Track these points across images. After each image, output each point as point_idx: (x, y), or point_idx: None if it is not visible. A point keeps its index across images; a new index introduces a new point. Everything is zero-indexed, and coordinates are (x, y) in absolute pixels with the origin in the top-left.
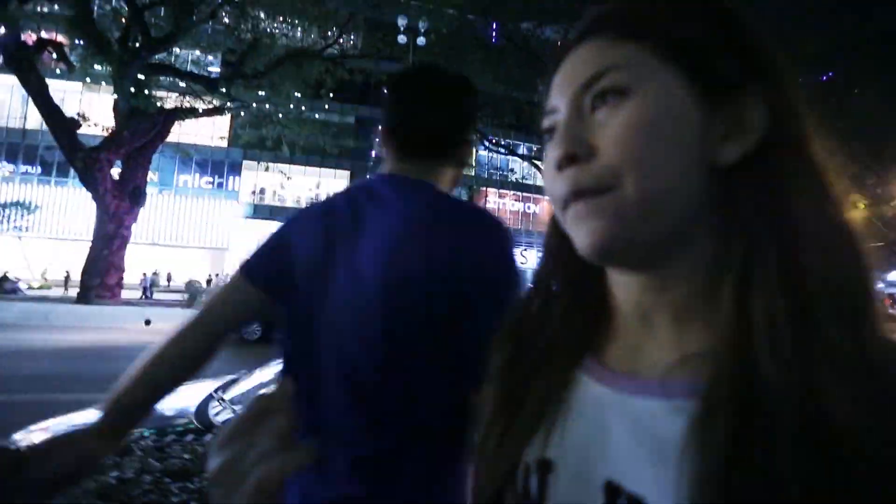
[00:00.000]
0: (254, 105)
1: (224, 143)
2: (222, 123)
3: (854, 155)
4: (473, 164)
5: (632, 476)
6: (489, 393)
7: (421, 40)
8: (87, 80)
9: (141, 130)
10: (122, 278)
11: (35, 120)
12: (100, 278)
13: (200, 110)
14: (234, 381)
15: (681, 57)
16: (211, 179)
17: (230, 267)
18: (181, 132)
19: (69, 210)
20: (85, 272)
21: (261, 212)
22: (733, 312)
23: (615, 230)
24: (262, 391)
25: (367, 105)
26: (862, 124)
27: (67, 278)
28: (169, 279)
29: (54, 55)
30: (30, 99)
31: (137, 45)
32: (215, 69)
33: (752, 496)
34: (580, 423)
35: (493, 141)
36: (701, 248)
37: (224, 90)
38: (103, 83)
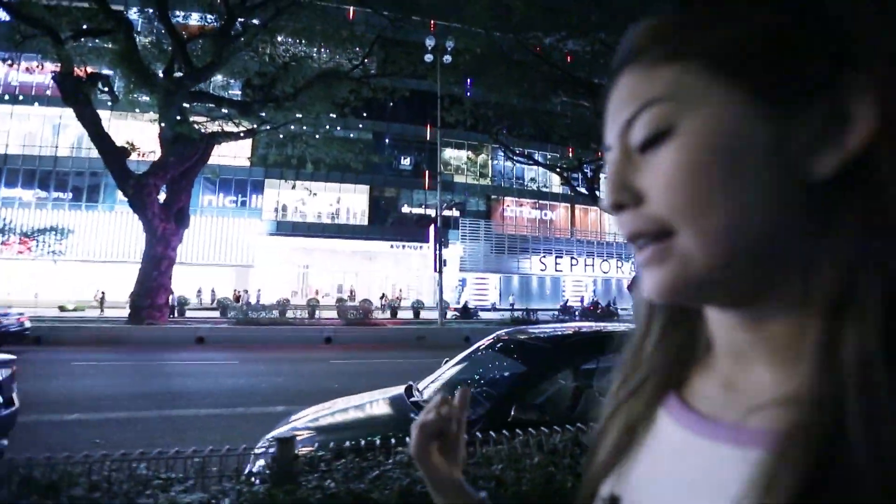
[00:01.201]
0: (284, 126)
1: (246, 163)
2: (244, 144)
3: None
4: (491, 173)
5: None
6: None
7: (447, 58)
8: (136, 110)
9: (185, 156)
10: (168, 299)
11: (66, 148)
12: (150, 299)
13: (241, 133)
14: None
15: (738, 69)
16: (234, 198)
17: (258, 283)
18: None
19: (99, 233)
20: (136, 294)
21: (283, 228)
22: (820, 353)
23: (679, 278)
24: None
25: (383, 120)
26: None
27: (103, 299)
28: (213, 295)
29: (104, 88)
30: (61, 127)
31: (180, 74)
32: (235, 92)
33: None
34: (651, 461)
35: (516, 151)
36: (799, 279)
37: (261, 113)
38: (145, 112)
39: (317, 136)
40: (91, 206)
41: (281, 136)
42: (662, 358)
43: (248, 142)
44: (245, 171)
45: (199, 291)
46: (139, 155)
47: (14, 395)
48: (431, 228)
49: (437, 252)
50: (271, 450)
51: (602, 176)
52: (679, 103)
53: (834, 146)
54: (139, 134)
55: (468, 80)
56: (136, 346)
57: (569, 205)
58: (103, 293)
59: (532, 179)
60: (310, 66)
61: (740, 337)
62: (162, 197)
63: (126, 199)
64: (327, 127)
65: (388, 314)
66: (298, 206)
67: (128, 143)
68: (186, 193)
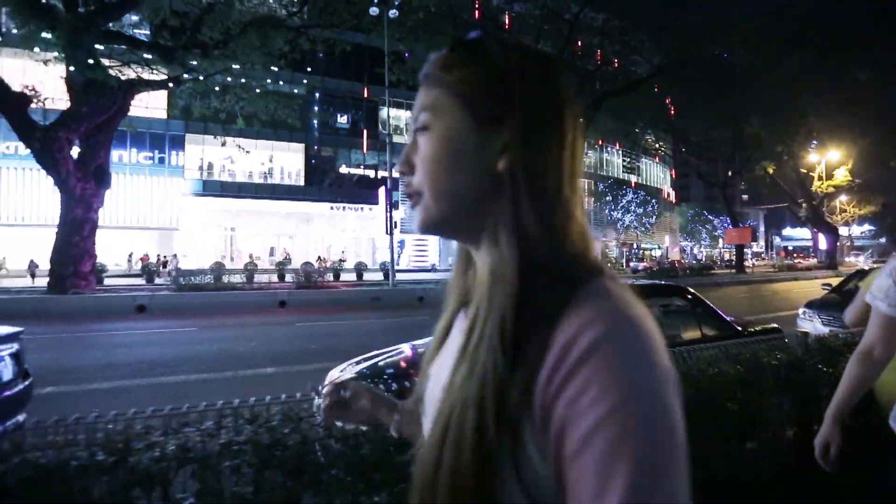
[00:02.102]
0: (211, 76)
1: (163, 115)
2: (160, 94)
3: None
4: None
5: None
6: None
7: (393, 13)
8: (36, 49)
9: (100, 106)
10: (94, 265)
11: None
12: (73, 266)
13: (167, 82)
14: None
15: (465, 99)
16: (151, 154)
17: (182, 247)
18: None
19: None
20: (56, 261)
21: (211, 188)
22: (491, 255)
23: (426, 220)
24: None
25: (319, 75)
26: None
27: (33, 267)
28: (130, 261)
29: None
30: None
31: (90, 9)
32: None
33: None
34: (443, 358)
35: None
36: (492, 222)
37: (189, 61)
38: (47, 52)
39: (250, 90)
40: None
41: (210, 87)
42: (459, 286)
43: (164, 92)
44: (162, 125)
45: (130, 256)
46: (41, 103)
47: (27, 368)
48: (382, 190)
49: (389, 214)
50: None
51: None
52: (435, 112)
53: (508, 155)
54: (38, 79)
55: (414, 38)
56: (67, 318)
57: None
58: (32, 261)
59: None
60: (237, 9)
61: (476, 255)
62: (75, 153)
63: (31, 154)
64: (261, 80)
65: (330, 277)
66: (226, 165)
67: (28, 87)
68: (105, 149)
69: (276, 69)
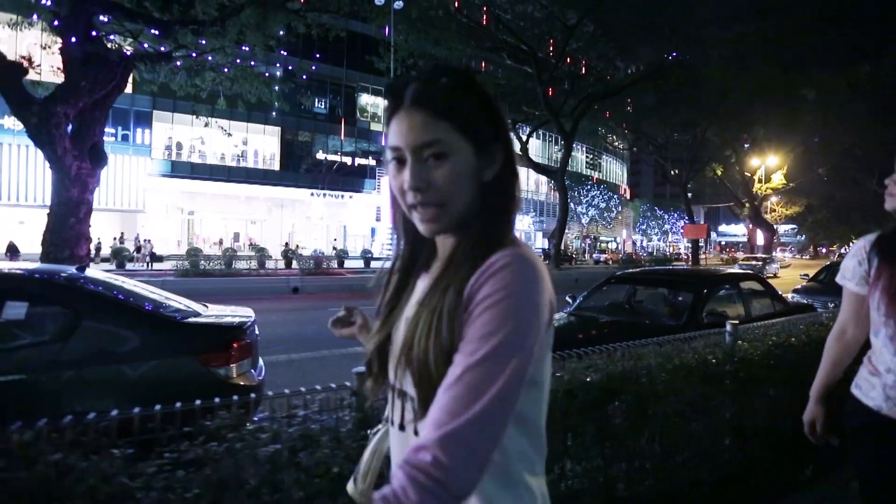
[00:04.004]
0: (203, 54)
1: (128, 90)
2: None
3: (723, 136)
4: None
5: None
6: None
7: (399, 4)
8: (36, 15)
9: (99, 81)
10: (90, 249)
11: None
12: (69, 250)
13: (171, 57)
14: None
15: (470, 134)
16: (113, 131)
17: (147, 231)
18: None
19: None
20: (52, 244)
21: (180, 169)
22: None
23: (440, 225)
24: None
25: (298, 58)
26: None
27: (12, 248)
28: (99, 246)
29: None
30: None
31: None
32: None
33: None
34: (407, 306)
35: None
36: (477, 219)
37: (187, 37)
38: (42, 20)
39: (247, 70)
40: None
41: (205, 65)
42: (407, 258)
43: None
44: (127, 100)
45: (147, 241)
46: (38, 74)
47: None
48: (381, 179)
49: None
50: None
51: (529, 138)
52: (450, 143)
53: (491, 170)
54: (28, 49)
55: (416, 30)
56: None
57: None
58: (11, 242)
59: None
60: None
61: (450, 243)
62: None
63: (23, 130)
64: (250, 63)
65: (334, 264)
66: (196, 146)
67: (24, 57)
68: (100, 127)
69: (269, 51)
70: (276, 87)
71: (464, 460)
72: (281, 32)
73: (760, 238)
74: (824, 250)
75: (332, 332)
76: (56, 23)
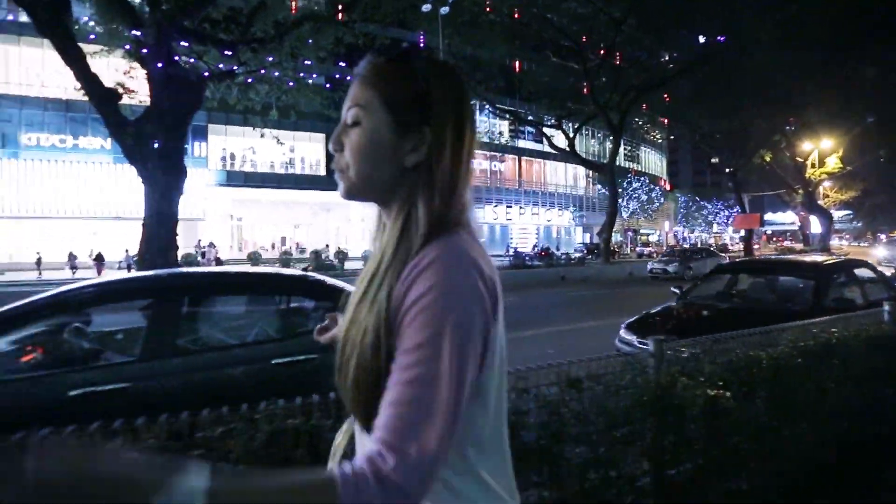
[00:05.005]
0: (263, 70)
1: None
2: None
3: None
4: None
5: None
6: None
7: (444, 10)
8: (126, 45)
9: (181, 100)
10: (177, 256)
11: None
12: (163, 259)
13: (238, 76)
14: None
15: (391, 107)
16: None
17: (207, 237)
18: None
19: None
20: (146, 252)
21: (234, 178)
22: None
23: (348, 189)
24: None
25: (341, 66)
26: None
27: (99, 258)
28: (203, 254)
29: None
30: None
31: (165, 7)
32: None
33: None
34: None
35: (497, 106)
36: (399, 199)
37: (249, 55)
38: (126, 48)
39: (302, 83)
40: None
41: (267, 80)
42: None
43: None
44: None
45: (211, 245)
46: (132, 99)
47: None
48: None
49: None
50: None
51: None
52: (366, 111)
53: (417, 154)
54: (111, 75)
55: (459, 35)
56: None
57: (516, 156)
58: (39, 254)
59: (487, 132)
60: (287, 4)
61: (386, 215)
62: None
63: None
64: (306, 75)
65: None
66: (248, 155)
67: (118, 84)
68: (181, 143)
69: (320, 62)
70: (339, 98)
71: (420, 482)
72: (334, 45)
73: (814, 226)
74: (883, 236)
75: (317, 339)
76: (144, 51)
